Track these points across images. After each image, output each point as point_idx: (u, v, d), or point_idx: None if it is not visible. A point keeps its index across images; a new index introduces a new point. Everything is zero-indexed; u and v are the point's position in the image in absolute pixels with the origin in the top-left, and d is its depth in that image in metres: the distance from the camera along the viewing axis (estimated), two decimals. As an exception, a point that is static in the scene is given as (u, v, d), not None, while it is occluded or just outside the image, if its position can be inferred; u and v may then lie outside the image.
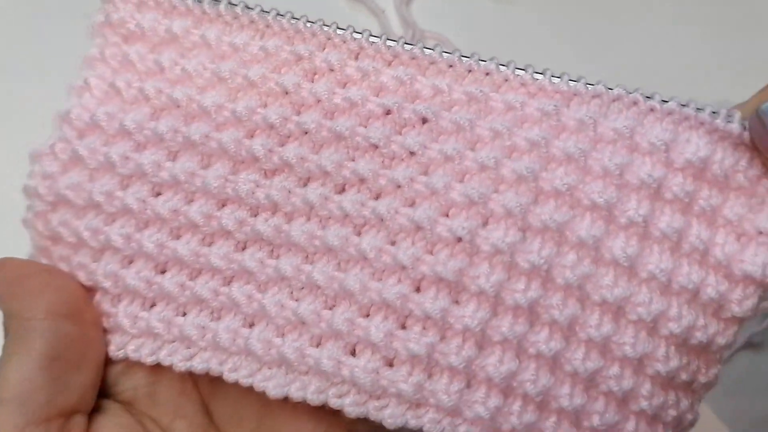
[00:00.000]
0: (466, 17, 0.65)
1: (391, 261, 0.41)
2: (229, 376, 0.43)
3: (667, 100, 0.42)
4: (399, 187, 0.42)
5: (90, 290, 0.44)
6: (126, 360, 0.44)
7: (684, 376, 0.42)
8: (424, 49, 0.44)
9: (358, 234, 0.42)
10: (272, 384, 0.42)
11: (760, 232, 0.40)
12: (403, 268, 0.41)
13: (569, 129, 0.41)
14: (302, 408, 0.44)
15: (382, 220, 0.41)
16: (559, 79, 0.42)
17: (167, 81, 0.44)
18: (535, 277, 0.40)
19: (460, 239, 0.40)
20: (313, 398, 0.41)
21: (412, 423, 0.41)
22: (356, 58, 0.44)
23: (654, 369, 0.41)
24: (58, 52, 0.51)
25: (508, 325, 0.40)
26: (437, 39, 0.64)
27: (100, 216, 0.44)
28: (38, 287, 0.42)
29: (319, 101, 0.43)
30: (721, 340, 0.42)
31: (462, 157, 0.42)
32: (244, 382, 0.42)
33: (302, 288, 0.43)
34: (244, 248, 0.44)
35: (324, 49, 0.44)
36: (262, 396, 0.43)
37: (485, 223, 0.41)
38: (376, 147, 0.42)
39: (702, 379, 0.43)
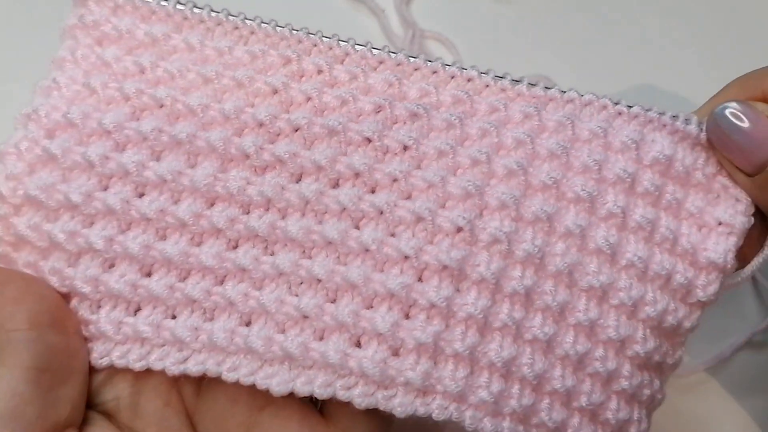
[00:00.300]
0: (466, 17, 0.65)
1: (393, 252, 0.42)
2: (229, 376, 0.41)
3: (631, 105, 0.45)
4: (395, 180, 0.42)
5: (65, 297, 0.42)
6: (107, 369, 0.42)
7: (657, 358, 0.44)
8: (409, 57, 0.45)
9: (357, 227, 0.42)
10: (276, 381, 0.41)
11: (720, 223, 0.44)
12: (406, 258, 0.41)
13: (549, 129, 0.44)
14: (291, 419, 0.43)
15: (381, 212, 0.42)
16: (535, 87, 0.45)
17: (148, 82, 0.44)
18: (530, 265, 0.42)
19: (459, 229, 0.42)
20: (321, 392, 0.41)
21: (421, 411, 0.41)
22: (342, 63, 0.45)
23: (633, 350, 0.43)
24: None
25: (507, 311, 0.42)
26: (437, 38, 0.65)
27: (77, 218, 0.42)
28: (17, 296, 0.39)
29: (309, 99, 0.43)
30: (687, 324, 0.45)
31: (454, 152, 0.43)
32: (246, 381, 0.41)
33: (301, 283, 0.42)
34: (236, 246, 0.43)
35: (310, 54, 0.45)
36: (248, 408, 0.43)
37: (481, 214, 0.42)
38: (369, 141, 0.43)
39: (669, 360, 0.46)
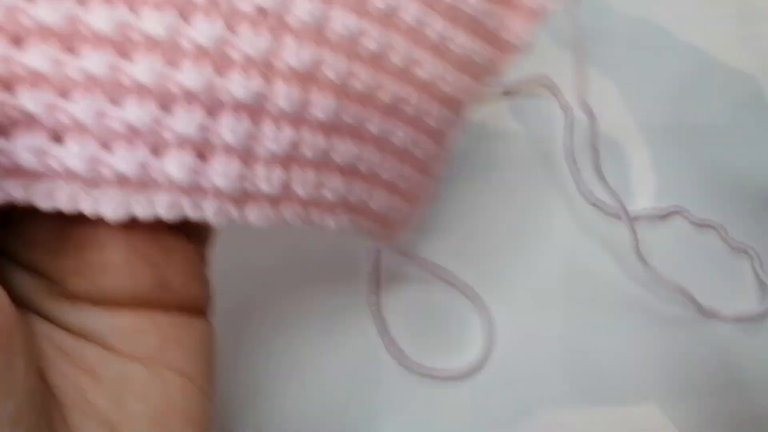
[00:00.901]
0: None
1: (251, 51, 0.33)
2: (44, 203, 0.31)
3: None
4: None
5: None
6: None
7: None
8: None
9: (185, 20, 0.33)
10: (110, 207, 0.32)
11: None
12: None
13: None
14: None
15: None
16: None
17: None
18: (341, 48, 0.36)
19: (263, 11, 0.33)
20: (167, 213, 0.33)
21: (272, 219, 0.36)
22: None
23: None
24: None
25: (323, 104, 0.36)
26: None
27: None
28: None
29: None
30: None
31: None
32: (68, 207, 0.32)
33: (123, 92, 0.33)
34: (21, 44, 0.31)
35: None
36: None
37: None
38: None
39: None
